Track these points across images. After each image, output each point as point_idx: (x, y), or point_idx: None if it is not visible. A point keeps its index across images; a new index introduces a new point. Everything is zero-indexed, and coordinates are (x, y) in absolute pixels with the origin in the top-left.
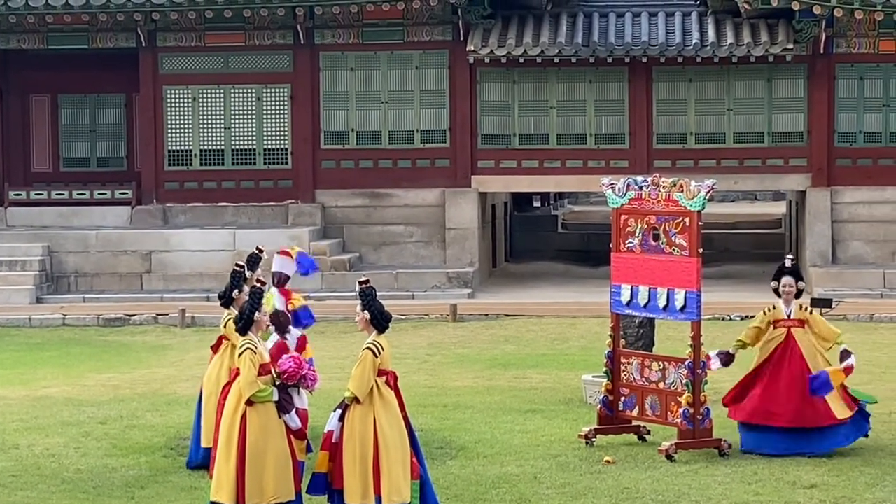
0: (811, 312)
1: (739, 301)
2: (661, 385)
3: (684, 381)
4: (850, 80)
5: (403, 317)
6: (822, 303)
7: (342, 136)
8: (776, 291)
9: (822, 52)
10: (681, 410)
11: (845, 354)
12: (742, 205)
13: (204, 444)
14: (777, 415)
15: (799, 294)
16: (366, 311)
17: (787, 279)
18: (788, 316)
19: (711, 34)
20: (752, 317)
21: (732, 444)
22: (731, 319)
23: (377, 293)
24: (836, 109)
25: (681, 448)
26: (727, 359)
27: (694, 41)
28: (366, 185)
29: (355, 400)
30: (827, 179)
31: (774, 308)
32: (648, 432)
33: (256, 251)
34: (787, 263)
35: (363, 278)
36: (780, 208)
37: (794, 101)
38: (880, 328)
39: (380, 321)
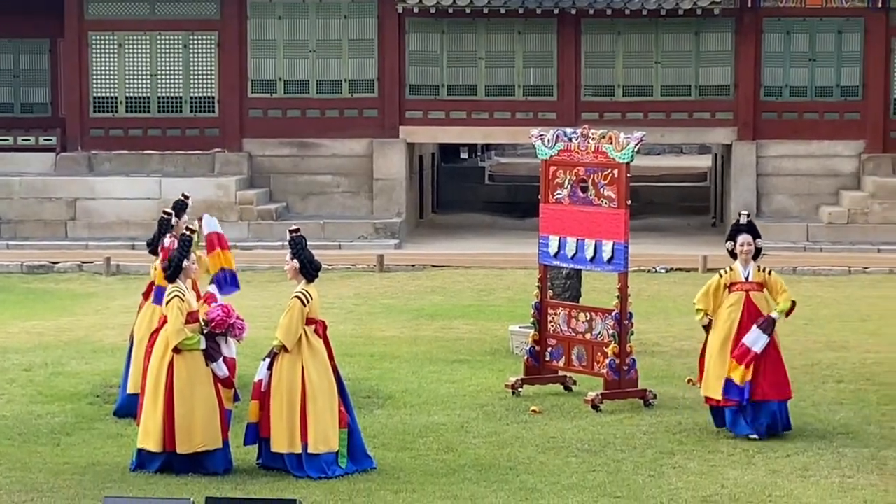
0: (770, 273)
1: (665, 254)
2: (588, 336)
3: (611, 332)
4: (777, 35)
5: (330, 267)
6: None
7: (270, 85)
8: (731, 252)
9: (749, 5)
10: (607, 361)
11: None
12: (668, 158)
13: (130, 391)
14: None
15: (757, 253)
16: (295, 260)
17: (744, 237)
18: (746, 278)
19: None
20: (678, 269)
21: (657, 395)
22: (656, 272)
23: (307, 242)
24: (763, 63)
25: (606, 398)
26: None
27: None
28: (293, 135)
29: (283, 348)
30: (753, 133)
31: (731, 269)
32: (575, 382)
33: (182, 197)
34: (743, 220)
35: (294, 227)
36: (705, 162)
37: (722, 55)
38: (803, 280)
39: (309, 270)
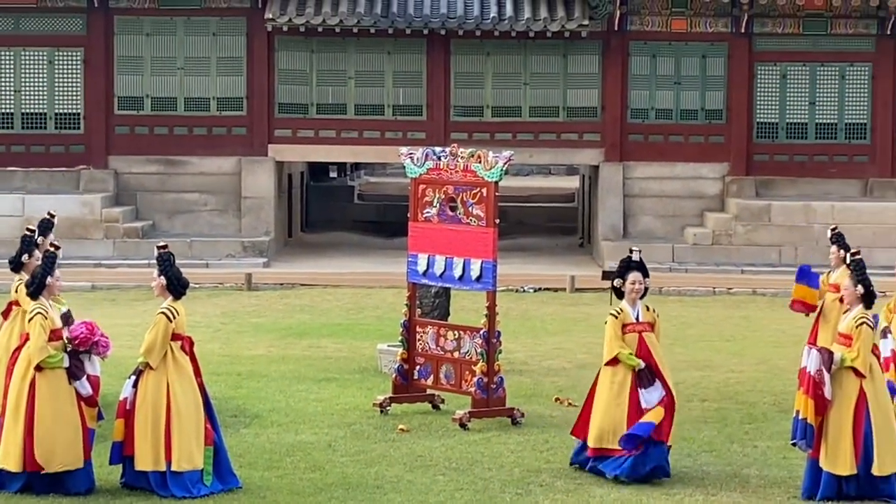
0: (657, 314)
1: (533, 273)
2: (456, 354)
3: (479, 351)
4: (643, 58)
5: (198, 285)
6: (612, 275)
7: (137, 102)
8: (617, 290)
9: (616, 29)
10: (475, 379)
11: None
12: (536, 179)
13: None
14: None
15: (644, 293)
16: (162, 277)
17: (635, 275)
18: (637, 319)
19: (509, 8)
20: (546, 289)
21: (525, 413)
22: (524, 291)
23: (175, 259)
24: (630, 86)
25: (474, 416)
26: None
27: (492, 15)
28: (160, 152)
29: (148, 366)
30: (619, 155)
31: (621, 311)
32: (443, 401)
33: (48, 216)
34: (635, 257)
35: (162, 243)
36: (573, 183)
37: (589, 77)
38: (668, 301)
39: (176, 287)
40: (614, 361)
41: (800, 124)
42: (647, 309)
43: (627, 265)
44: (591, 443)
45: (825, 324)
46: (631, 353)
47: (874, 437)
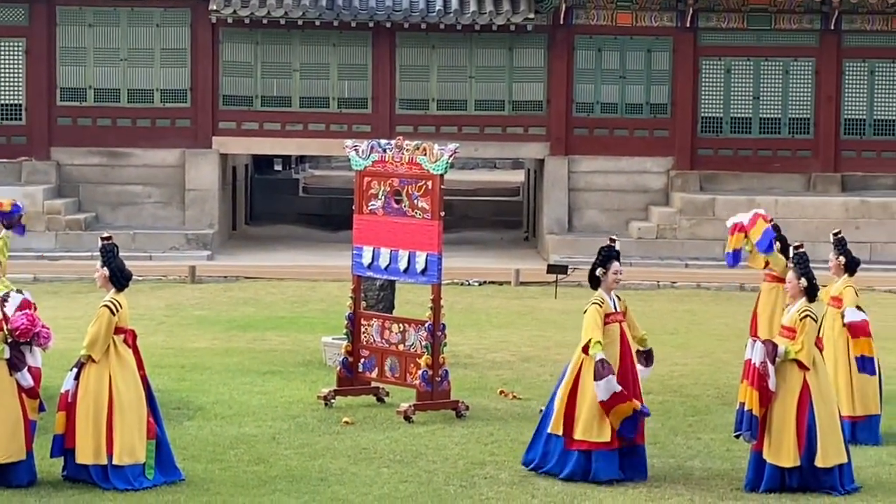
0: (626, 306)
1: (478, 267)
2: (401, 347)
3: (424, 344)
4: (589, 52)
5: (141, 278)
6: (558, 269)
7: (79, 93)
8: (596, 279)
9: (562, 22)
10: (420, 372)
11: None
12: (482, 173)
13: None
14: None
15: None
16: (105, 268)
17: (617, 265)
18: (615, 309)
19: (455, 2)
20: (491, 283)
21: (470, 406)
22: (469, 284)
23: (118, 251)
24: (575, 80)
25: (419, 409)
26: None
27: (437, 8)
28: (103, 144)
29: (90, 358)
30: (565, 148)
31: (604, 301)
32: (387, 394)
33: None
34: (617, 246)
35: (106, 234)
36: (518, 177)
37: (535, 71)
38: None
39: (119, 279)
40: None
41: (744, 119)
42: (619, 299)
43: (609, 254)
44: (579, 435)
45: (763, 316)
46: (599, 343)
47: (818, 429)
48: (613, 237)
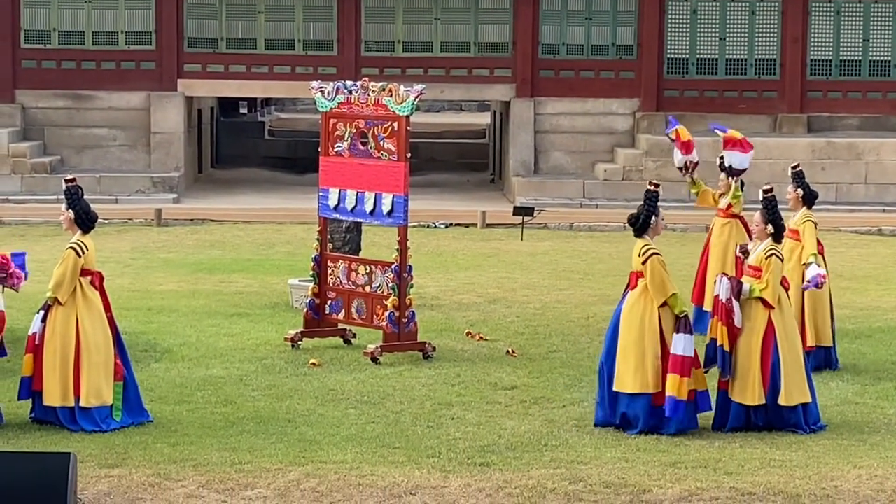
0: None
1: (445, 209)
2: (368, 289)
3: (390, 285)
4: None
5: (107, 221)
6: (524, 211)
7: (44, 36)
8: (645, 225)
9: None
10: (386, 314)
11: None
12: (448, 115)
13: None
14: None
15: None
16: (70, 210)
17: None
18: None
19: None
20: (457, 225)
21: (436, 347)
22: (436, 227)
23: (83, 193)
24: (541, 21)
25: (386, 351)
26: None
27: None
28: (68, 87)
29: (56, 301)
30: (531, 90)
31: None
32: (354, 335)
33: None
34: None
35: (70, 177)
36: (484, 119)
37: (500, 13)
38: (579, 236)
39: (84, 221)
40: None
41: (710, 60)
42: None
43: (657, 199)
44: (655, 389)
45: (715, 251)
46: (676, 295)
47: (781, 367)
48: (656, 182)
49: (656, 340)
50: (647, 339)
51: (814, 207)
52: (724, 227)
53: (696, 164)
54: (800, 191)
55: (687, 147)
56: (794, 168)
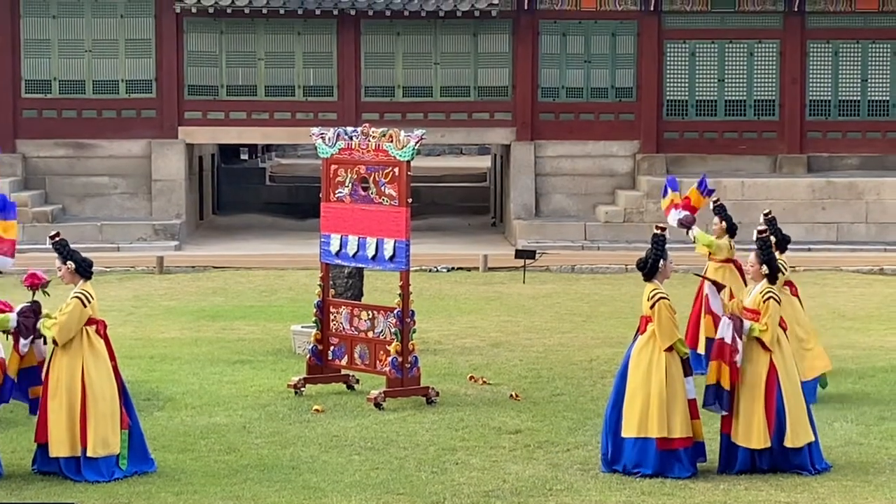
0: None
1: (446, 253)
2: (370, 334)
3: (393, 330)
4: (553, 36)
5: (108, 269)
6: (525, 254)
7: (44, 85)
8: (654, 269)
9: (525, 7)
10: (389, 359)
11: None
12: (448, 159)
13: None
14: None
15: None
16: (69, 262)
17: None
18: None
19: None
20: (459, 269)
21: (440, 392)
22: (437, 271)
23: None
24: (540, 65)
25: (389, 396)
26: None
27: None
28: (69, 136)
29: (54, 342)
30: (531, 133)
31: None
32: (357, 381)
33: None
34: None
35: (53, 233)
36: (485, 162)
37: (500, 56)
38: (581, 279)
39: (85, 269)
40: (670, 348)
41: (709, 101)
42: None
43: (665, 243)
44: (660, 433)
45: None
46: (681, 341)
47: (786, 409)
48: (662, 225)
49: (662, 385)
50: (654, 384)
51: (816, 247)
52: (717, 270)
53: (693, 220)
54: (772, 237)
55: (685, 206)
56: (766, 215)
